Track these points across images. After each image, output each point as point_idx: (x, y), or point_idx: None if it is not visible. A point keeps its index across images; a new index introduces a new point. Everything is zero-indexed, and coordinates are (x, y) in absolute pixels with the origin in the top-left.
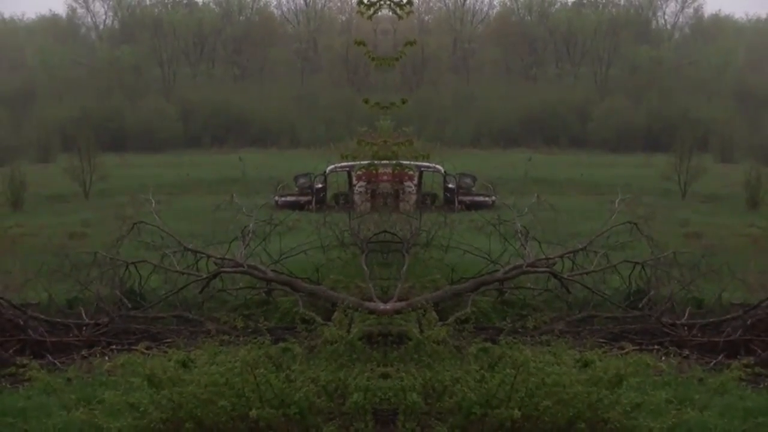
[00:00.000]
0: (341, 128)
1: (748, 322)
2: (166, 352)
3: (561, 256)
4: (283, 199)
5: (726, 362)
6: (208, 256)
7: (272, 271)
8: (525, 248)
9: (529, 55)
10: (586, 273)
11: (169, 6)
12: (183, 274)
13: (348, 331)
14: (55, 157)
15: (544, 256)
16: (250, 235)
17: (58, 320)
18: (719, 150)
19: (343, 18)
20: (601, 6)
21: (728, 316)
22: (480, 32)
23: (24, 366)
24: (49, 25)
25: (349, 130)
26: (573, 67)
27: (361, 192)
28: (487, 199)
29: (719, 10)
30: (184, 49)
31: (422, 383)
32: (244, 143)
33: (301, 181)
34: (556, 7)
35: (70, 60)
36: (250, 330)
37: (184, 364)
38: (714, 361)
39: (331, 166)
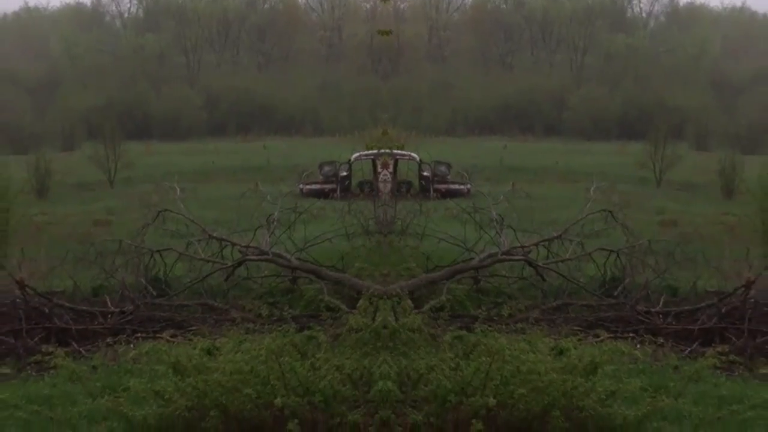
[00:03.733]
0: (365, 116)
1: (723, 310)
2: (191, 340)
3: (536, 244)
4: (307, 187)
5: (701, 350)
6: (233, 244)
7: (297, 259)
8: (500, 236)
9: (504, 43)
10: (561, 261)
11: None
12: (208, 262)
13: (373, 319)
14: (79, 145)
15: (519, 244)
16: (274, 223)
17: (84, 308)
18: (695, 138)
19: (368, 6)
20: None
21: (703, 304)
22: (456, 20)
23: (49, 354)
24: (74, 13)
25: (374, 119)
26: (549, 55)
27: (386, 180)
28: (462, 187)
29: None
30: (209, 37)
31: (397, 371)
32: (269, 131)
33: (326, 169)
34: None
35: (95, 48)
36: (275, 318)
37: (209, 352)
38: (689, 349)
39: (356, 154)
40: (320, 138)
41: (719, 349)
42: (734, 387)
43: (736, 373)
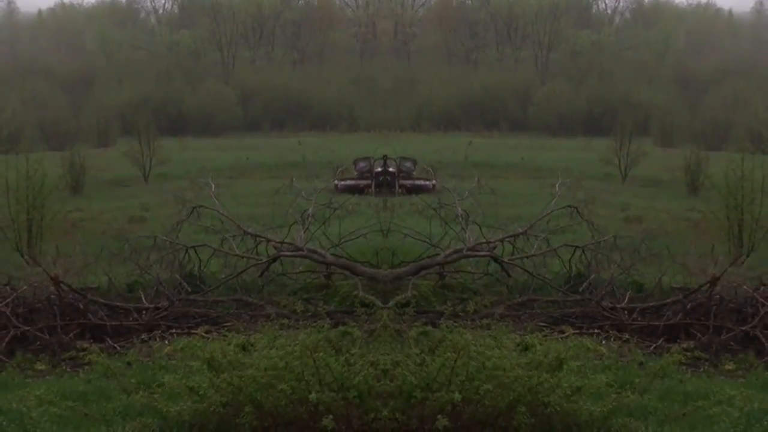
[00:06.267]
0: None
1: (688, 306)
2: (225, 335)
3: (501, 240)
4: (342, 182)
5: (666, 346)
6: (268, 240)
7: (332, 254)
8: (465, 232)
9: (470, 39)
10: (527, 257)
11: None
12: (242, 257)
13: None
14: (114, 141)
15: (484, 240)
16: (309, 218)
17: (118, 304)
18: (659, 134)
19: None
20: None
21: (668, 300)
22: (421, 16)
23: (84, 350)
24: (109, 9)
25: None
26: (514, 51)
27: None
28: (427, 182)
29: None
30: (243, 33)
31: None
32: (304, 127)
33: (361, 165)
34: None
35: (130, 44)
36: (309, 314)
37: (244, 348)
38: (654, 345)
39: None
40: (355, 134)
41: (684, 345)
42: (699, 383)
43: (702, 369)
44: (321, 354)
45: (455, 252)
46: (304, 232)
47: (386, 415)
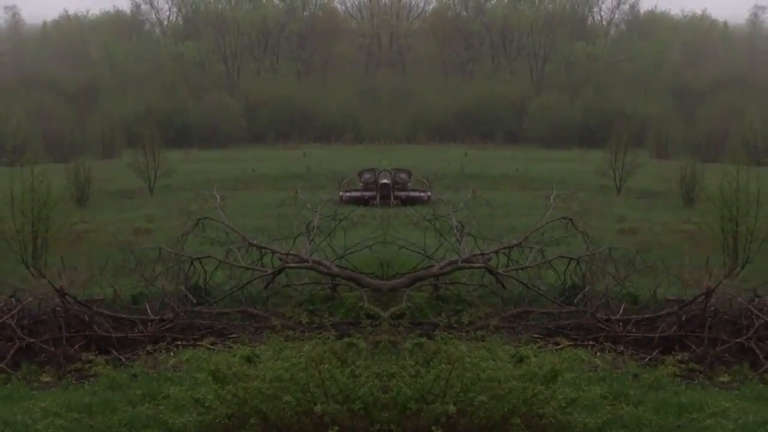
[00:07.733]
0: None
1: (683, 318)
2: (231, 347)
3: (496, 252)
4: (347, 194)
5: (661, 358)
6: (273, 252)
7: (337, 266)
8: (460, 243)
9: (465, 50)
10: (522, 268)
11: (233, 2)
12: (248, 269)
13: None
14: (119, 153)
15: (479, 252)
16: (314, 230)
17: (123, 316)
18: (655, 146)
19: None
20: (537, 1)
21: (663, 312)
22: (416, 27)
23: (90, 361)
24: (113, 21)
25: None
26: (509, 62)
27: None
28: (422, 194)
29: (655, 6)
30: (248, 44)
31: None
32: (309, 138)
33: (366, 176)
34: (492, 2)
35: (134, 56)
36: (315, 325)
37: (249, 360)
38: (649, 357)
39: None
40: (360, 145)
41: (679, 356)
42: (694, 395)
43: (696, 381)
44: (326, 365)
45: (450, 263)
46: (309, 244)
47: (381, 427)
